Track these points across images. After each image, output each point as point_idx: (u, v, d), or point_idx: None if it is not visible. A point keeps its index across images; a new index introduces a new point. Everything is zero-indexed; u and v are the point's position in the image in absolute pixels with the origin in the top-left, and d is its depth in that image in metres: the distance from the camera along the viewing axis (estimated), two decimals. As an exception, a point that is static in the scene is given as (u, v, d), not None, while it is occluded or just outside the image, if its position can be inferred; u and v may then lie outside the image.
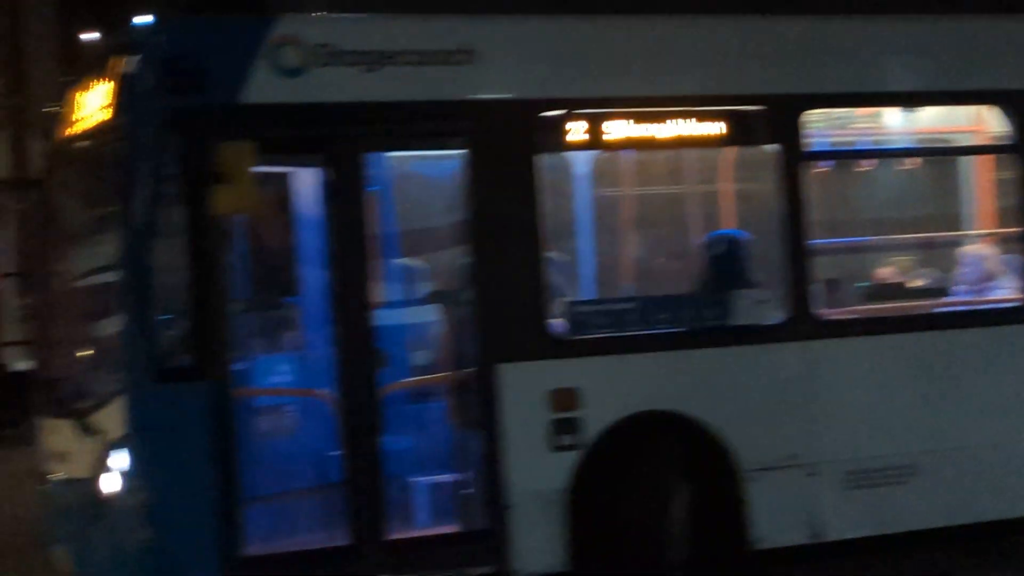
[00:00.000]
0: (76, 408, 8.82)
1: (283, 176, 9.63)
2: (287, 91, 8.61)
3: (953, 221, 11.15)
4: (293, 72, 8.64)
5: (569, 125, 9.17)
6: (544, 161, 9.07)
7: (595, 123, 9.22)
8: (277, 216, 9.62)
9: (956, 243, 10.96)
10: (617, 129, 9.27)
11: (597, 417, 9.02)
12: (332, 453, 8.85)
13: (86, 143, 9.20)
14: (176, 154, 8.34)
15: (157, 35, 8.53)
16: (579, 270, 9.86)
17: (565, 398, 8.99)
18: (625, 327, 9.21)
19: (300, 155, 9.20)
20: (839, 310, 10.02)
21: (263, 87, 8.55)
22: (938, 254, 10.98)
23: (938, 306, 10.56)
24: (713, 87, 9.47)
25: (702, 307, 9.45)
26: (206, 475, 8.32)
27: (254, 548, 8.46)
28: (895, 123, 10.79)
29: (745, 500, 9.31)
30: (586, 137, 9.22)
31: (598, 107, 9.22)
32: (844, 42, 9.90)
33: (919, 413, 9.73)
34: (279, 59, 8.62)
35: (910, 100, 10.28)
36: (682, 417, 9.17)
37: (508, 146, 8.98)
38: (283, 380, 9.35)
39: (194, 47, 8.48)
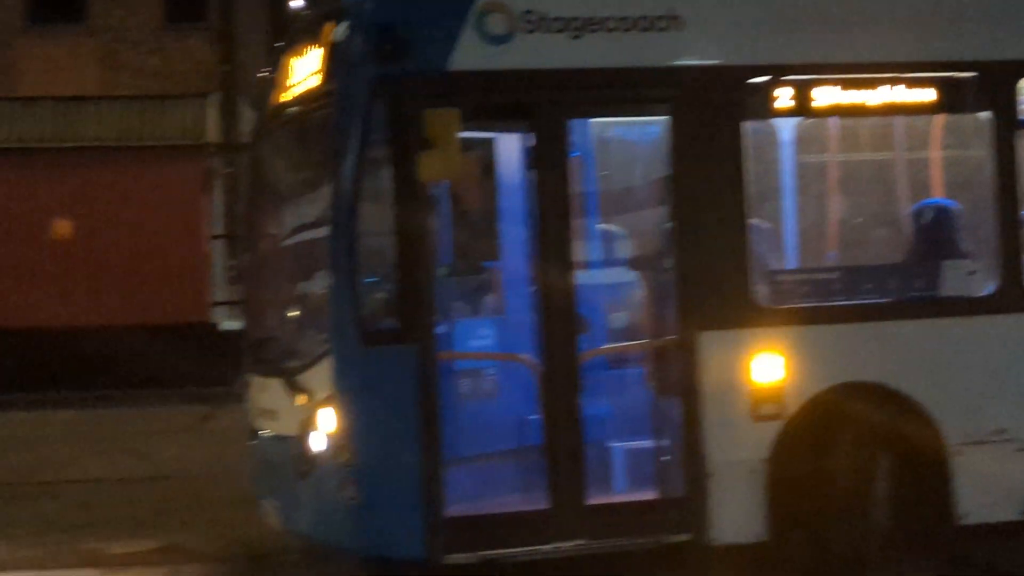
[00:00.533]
0: (285, 368, 9.04)
1: (488, 142, 9.70)
2: (493, 58, 8.68)
3: None
4: (499, 39, 8.70)
5: (776, 92, 9.07)
6: (749, 128, 9.01)
7: (803, 90, 9.12)
8: (481, 182, 9.70)
9: None
10: (825, 96, 9.14)
11: (800, 387, 8.93)
12: (532, 417, 8.91)
13: (296, 108, 9.39)
14: (384, 120, 8.48)
15: (367, 3, 8.67)
16: (783, 238, 9.74)
17: (768, 368, 8.94)
18: (830, 297, 9.11)
19: (505, 121, 9.27)
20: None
21: (469, 54, 8.62)
22: None
23: None
24: (925, 53, 9.27)
25: (909, 277, 9.30)
26: (410, 437, 8.46)
27: (455, 509, 8.56)
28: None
29: (951, 475, 9.14)
30: (793, 104, 9.12)
31: (806, 73, 9.11)
32: None
33: None
34: (485, 26, 8.69)
35: None
36: (887, 389, 9.03)
37: (713, 112, 8.92)
38: (485, 344, 9.43)
39: (402, 15, 8.58)
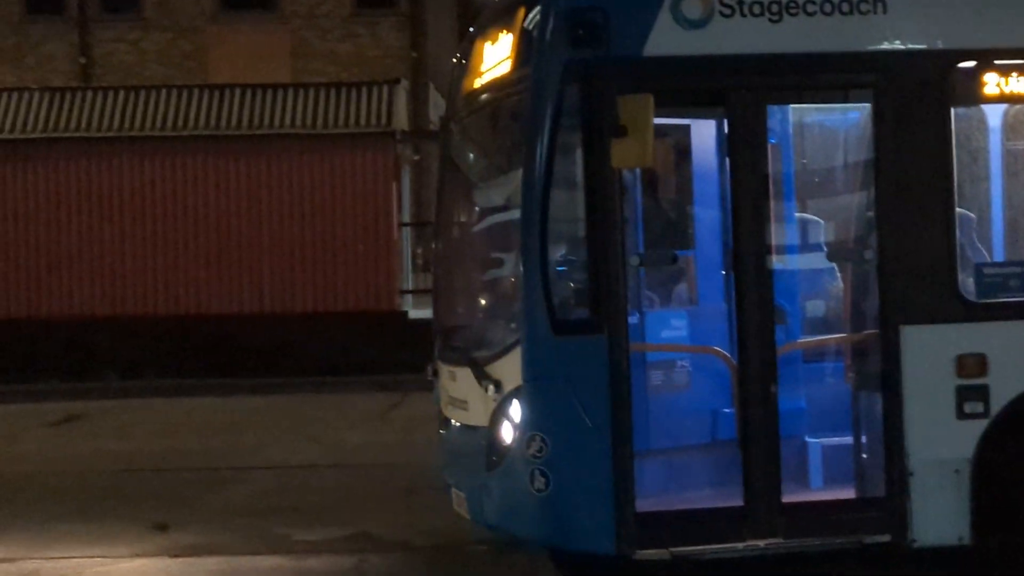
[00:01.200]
0: (475, 357, 8.94)
1: (683, 128, 9.48)
2: (689, 43, 8.46)
3: None
4: (696, 23, 8.47)
5: (986, 77, 8.72)
6: (957, 114, 8.67)
7: (1013, 75, 8.75)
8: (676, 169, 9.49)
9: None
10: (1040, 81, 8.78)
11: (1006, 385, 8.57)
12: (726, 410, 8.70)
13: (487, 95, 9.28)
14: (577, 107, 8.34)
15: None
16: (991, 230, 9.37)
17: (973, 364, 8.57)
18: (1042, 291, 8.75)
19: (701, 108, 9.05)
20: None
21: (664, 39, 8.42)
22: None
23: None
24: None
25: None
26: (601, 428, 8.30)
27: (646, 504, 8.39)
28: None
29: None
30: (1003, 90, 8.75)
31: (1018, 58, 8.74)
32: None
33: None
34: (681, 11, 8.46)
35: None
36: None
37: (919, 99, 8.59)
38: (678, 335, 9.23)
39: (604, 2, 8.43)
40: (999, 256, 9.32)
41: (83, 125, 23.73)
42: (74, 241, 23.52)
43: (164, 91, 24.33)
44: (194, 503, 12.55)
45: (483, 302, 9.60)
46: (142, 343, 23.16)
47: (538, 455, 8.33)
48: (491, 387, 8.62)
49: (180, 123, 23.70)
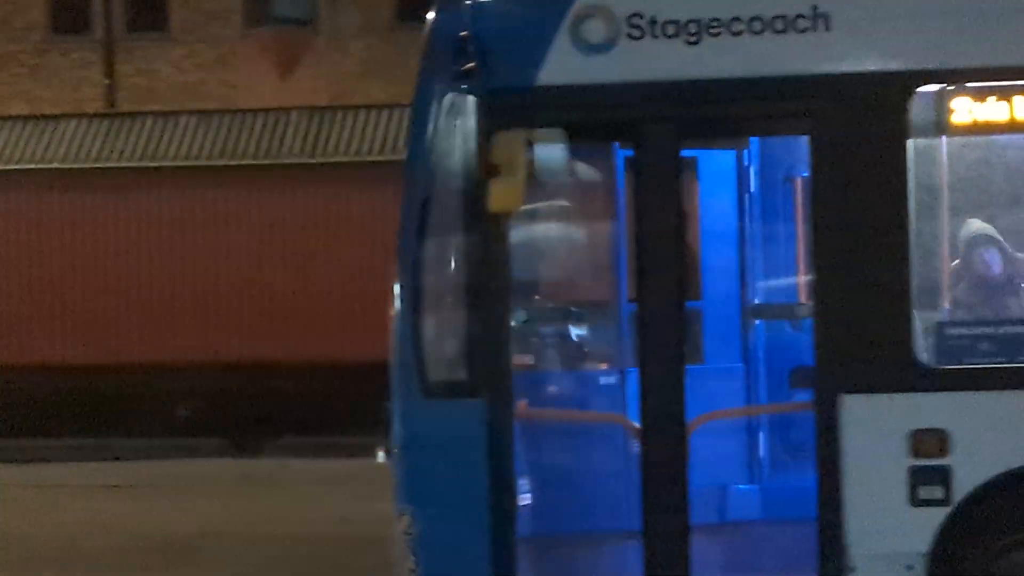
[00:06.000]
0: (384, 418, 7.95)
1: (592, 165, 8.34)
2: (591, 70, 7.40)
3: None
4: (599, 48, 7.40)
5: (954, 103, 7.42)
6: (915, 147, 7.38)
7: (988, 99, 7.41)
8: (579, 212, 8.36)
9: None
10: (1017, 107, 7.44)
11: (972, 468, 7.27)
12: (627, 492, 7.52)
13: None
14: (459, 144, 7.30)
15: (444, 12, 7.52)
16: (951, 282, 8.04)
17: (931, 442, 7.28)
18: (1015, 356, 7.40)
19: (607, 141, 7.93)
20: None
21: (562, 66, 7.43)
22: None
23: None
24: None
25: None
26: (476, 508, 7.22)
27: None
28: None
29: None
30: (976, 117, 7.44)
31: (993, 79, 7.39)
32: None
33: None
34: (582, 34, 7.42)
35: None
36: None
37: (869, 129, 7.33)
38: (572, 402, 8.09)
39: (484, 25, 7.40)
40: (964, 313, 7.97)
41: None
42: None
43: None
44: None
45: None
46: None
47: (408, 532, 7.31)
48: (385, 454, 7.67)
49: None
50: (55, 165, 22.51)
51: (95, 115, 23.99)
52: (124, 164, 22.32)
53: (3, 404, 21.31)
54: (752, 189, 8.57)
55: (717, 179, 8.63)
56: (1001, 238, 8.00)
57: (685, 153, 8.50)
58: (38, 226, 22.07)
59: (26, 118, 23.69)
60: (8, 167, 22.58)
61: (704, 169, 8.76)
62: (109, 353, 21.53)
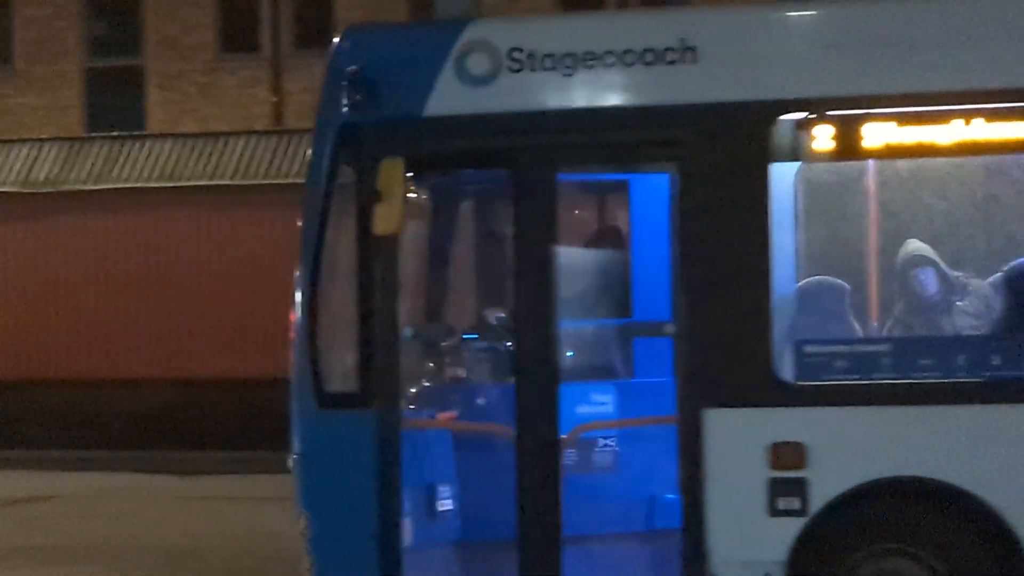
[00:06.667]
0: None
1: (474, 191, 8.83)
2: (474, 101, 7.86)
3: None
4: (481, 80, 7.86)
5: (815, 130, 7.66)
6: (776, 173, 7.72)
7: (848, 127, 7.67)
8: (466, 235, 8.84)
9: None
10: (878, 134, 7.64)
11: (829, 480, 7.57)
12: (507, 500, 7.97)
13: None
14: (349, 172, 7.86)
15: (341, 45, 8.06)
16: (812, 301, 8.28)
17: (789, 454, 7.60)
18: (871, 374, 7.66)
19: (488, 170, 8.40)
20: None
21: (447, 98, 7.89)
22: None
23: None
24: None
25: (981, 352, 7.66)
26: (366, 513, 7.74)
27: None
28: None
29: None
30: (836, 144, 7.68)
31: (853, 108, 7.67)
32: None
33: None
34: (466, 67, 7.88)
35: None
36: (949, 488, 7.48)
37: (733, 156, 7.70)
38: (459, 412, 8.56)
39: (374, 58, 7.98)
40: (824, 331, 8.21)
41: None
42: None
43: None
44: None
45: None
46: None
47: (304, 534, 7.89)
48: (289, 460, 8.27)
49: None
50: (225, 182, 23.55)
51: (264, 132, 25.08)
52: (292, 180, 23.01)
53: (169, 416, 22.43)
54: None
55: (648, 201, 9.04)
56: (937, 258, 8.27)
57: (619, 176, 9.03)
58: (209, 240, 22.95)
59: (196, 136, 24.69)
60: (179, 184, 23.71)
61: (636, 192, 9.19)
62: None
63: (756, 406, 7.63)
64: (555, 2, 24.86)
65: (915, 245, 8.38)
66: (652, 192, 8.92)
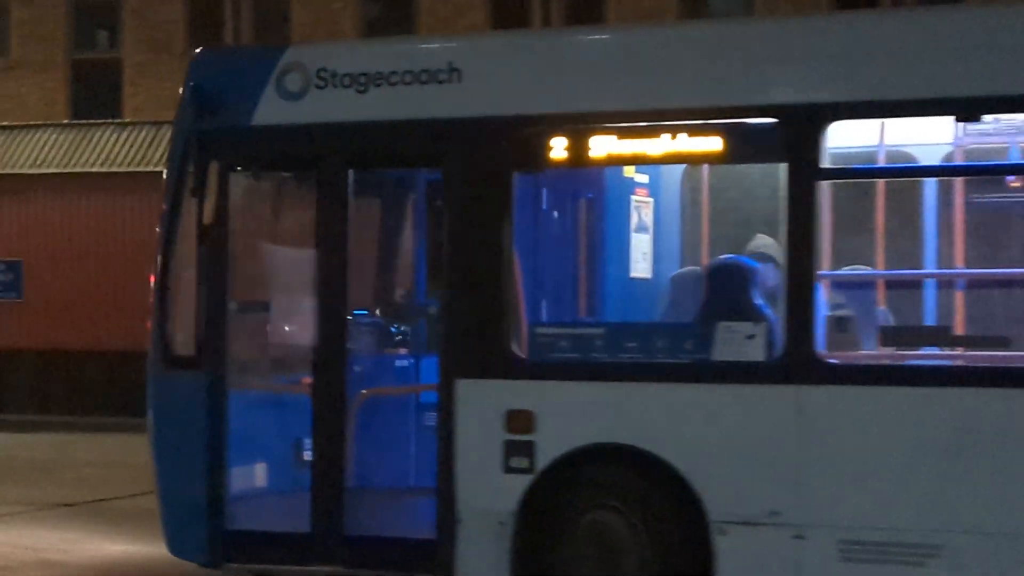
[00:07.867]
0: None
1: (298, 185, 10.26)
2: (289, 113, 9.35)
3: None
4: (295, 95, 9.35)
5: (549, 142, 8.81)
6: (518, 179, 8.92)
7: (576, 139, 8.78)
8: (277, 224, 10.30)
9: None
10: (602, 145, 8.73)
11: (552, 443, 8.75)
12: (306, 451, 9.48)
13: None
14: (193, 172, 9.49)
15: (193, 63, 9.76)
16: (547, 291, 9.36)
17: (521, 420, 8.82)
18: (589, 353, 8.79)
19: (299, 171, 9.88)
20: (848, 353, 8.55)
21: (269, 111, 9.39)
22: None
23: (983, 357, 8.53)
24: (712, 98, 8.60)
25: (681, 337, 8.67)
26: (197, 458, 9.41)
27: (234, 524, 9.42)
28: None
29: (714, 553, 8.45)
30: (567, 154, 8.82)
31: (579, 123, 8.81)
32: None
33: (945, 485, 8.08)
34: (284, 84, 9.38)
35: None
36: (646, 454, 8.56)
37: (482, 164, 8.93)
38: (275, 376, 10.06)
39: (217, 75, 9.64)
40: (555, 316, 9.27)
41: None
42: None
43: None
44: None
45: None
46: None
47: (155, 479, 9.65)
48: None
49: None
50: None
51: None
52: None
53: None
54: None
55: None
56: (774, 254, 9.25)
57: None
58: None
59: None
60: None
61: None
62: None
63: (496, 377, 8.89)
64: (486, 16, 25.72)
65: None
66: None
